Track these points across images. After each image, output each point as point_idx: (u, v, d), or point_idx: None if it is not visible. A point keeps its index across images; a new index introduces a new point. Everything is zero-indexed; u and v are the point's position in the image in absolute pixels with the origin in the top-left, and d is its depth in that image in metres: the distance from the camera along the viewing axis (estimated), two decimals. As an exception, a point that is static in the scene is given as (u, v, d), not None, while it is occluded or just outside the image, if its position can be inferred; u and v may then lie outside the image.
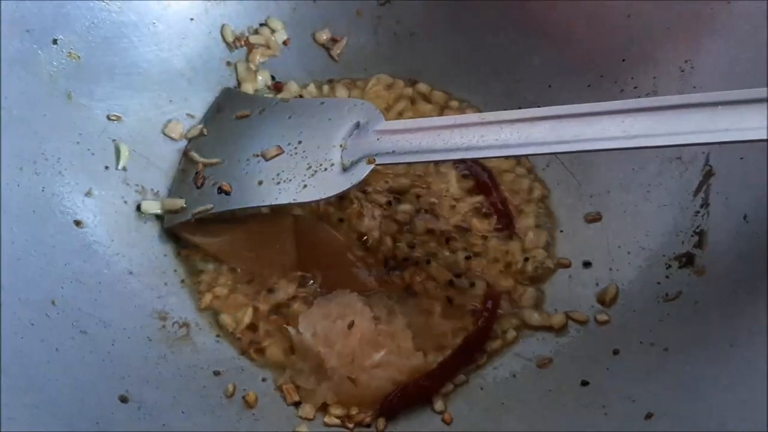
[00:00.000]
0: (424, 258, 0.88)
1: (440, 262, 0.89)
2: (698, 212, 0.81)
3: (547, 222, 0.92)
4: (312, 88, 1.00)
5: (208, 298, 0.86)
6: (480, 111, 0.98)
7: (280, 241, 0.89)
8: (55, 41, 0.83)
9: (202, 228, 0.88)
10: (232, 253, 0.88)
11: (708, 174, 0.81)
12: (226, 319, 0.85)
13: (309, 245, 0.89)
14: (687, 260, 0.79)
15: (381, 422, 0.78)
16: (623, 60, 0.90)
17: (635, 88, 0.90)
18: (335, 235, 0.89)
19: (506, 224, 0.91)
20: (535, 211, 0.93)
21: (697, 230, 0.80)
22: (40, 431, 0.62)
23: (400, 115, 0.99)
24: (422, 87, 1.01)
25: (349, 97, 1.00)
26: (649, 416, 0.67)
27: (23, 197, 0.77)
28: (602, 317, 0.82)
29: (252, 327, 0.85)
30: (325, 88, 1.00)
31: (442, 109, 1.00)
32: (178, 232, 0.88)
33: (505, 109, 0.94)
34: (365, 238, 0.90)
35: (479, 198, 0.93)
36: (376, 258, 0.89)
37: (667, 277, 0.80)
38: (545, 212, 0.93)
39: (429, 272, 0.88)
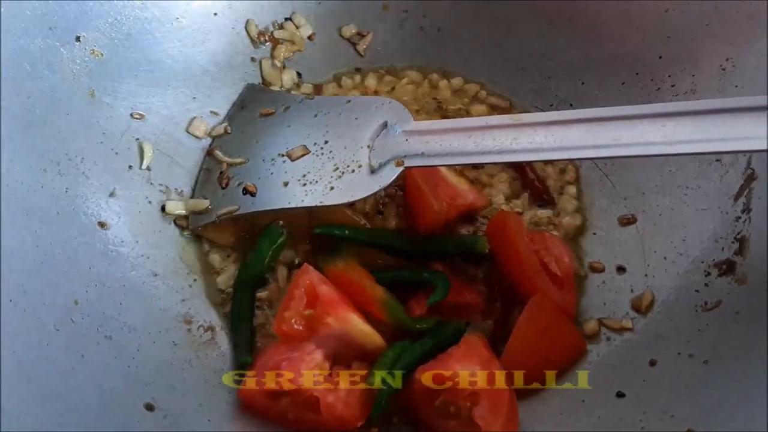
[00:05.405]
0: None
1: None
2: (739, 218, 0.78)
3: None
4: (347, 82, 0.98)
5: None
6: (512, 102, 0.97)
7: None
8: (78, 38, 0.82)
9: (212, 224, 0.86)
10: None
11: (750, 178, 0.78)
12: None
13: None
14: (727, 268, 0.77)
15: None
16: (660, 57, 0.87)
17: (672, 86, 0.86)
18: (350, 215, 0.86)
19: (547, 200, 0.91)
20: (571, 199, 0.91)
21: (738, 236, 0.77)
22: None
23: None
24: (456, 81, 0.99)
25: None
26: (689, 433, 0.65)
27: (47, 199, 0.76)
28: (627, 324, 0.80)
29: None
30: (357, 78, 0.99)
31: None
32: (194, 230, 0.86)
33: (535, 108, 0.95)
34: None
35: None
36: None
37: (706, 285, 0.77)
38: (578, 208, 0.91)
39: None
